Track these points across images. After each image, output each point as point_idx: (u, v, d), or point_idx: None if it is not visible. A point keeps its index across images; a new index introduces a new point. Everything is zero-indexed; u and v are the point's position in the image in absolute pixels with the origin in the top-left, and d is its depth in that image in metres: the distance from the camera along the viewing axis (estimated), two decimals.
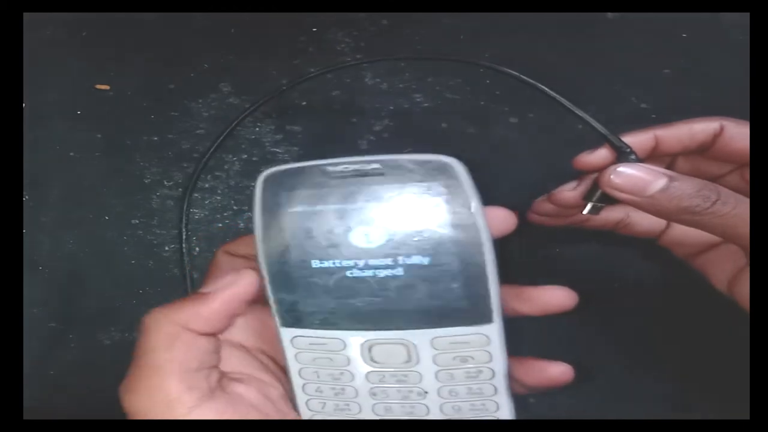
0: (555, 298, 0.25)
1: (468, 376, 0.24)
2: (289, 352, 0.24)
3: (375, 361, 0.24)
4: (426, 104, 0.36)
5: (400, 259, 0.22)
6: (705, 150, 0.27)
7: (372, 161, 0.23)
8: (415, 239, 0.22)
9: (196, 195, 0.37)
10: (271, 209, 0.23)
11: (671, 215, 0.24)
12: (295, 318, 0.23)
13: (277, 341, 0.24)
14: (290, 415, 0.25)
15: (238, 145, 0.37)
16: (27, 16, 0.38)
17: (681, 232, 0.30)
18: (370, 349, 0.24)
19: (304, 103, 0.37)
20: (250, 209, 0.36)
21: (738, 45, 0.35)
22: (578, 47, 0.36)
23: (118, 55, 0.38)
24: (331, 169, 0.23)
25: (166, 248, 0.37)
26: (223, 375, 0.24)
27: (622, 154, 0.26)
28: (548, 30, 0.36)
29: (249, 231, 0.36)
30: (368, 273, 0.23)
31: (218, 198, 0.37)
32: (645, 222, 0.30)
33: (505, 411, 0.25)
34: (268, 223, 0.23)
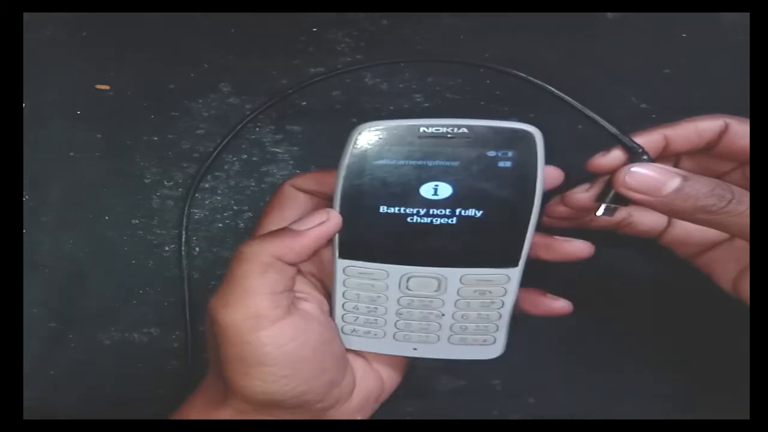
0: (576, 248, 0.28)
1: (481, 306, 0.28)
2: (339, 278, 0.28)
3: (409, 289, 0.28)
4: (426, 104, 0.36)
5: (458, 211, 0.26)
6: (710, 148, 0.27)
7: (460, 125, 0.25)
8: (477, 196, 0.26)
9: (196, 195, 0.37)
10: (359, 158, 0.26)
11: (686, 215, 0.25)
12: (352, 251, 0.28)
13: (326, 267, 0.29)
14: (335, 326, 0.29)
15: (238, 145, 0.37)
16: (27, 16, 0.38)
17: (682, 231, 0.30)
18: (408, 280, 0.28)
19: (304, 103, 0.37)
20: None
21: (738, 45, 0.35)
22: (578, 47, 0.36)
23: (118, 55, 0.38)
24: (422, 129, 0.25)
25: (166, 248, 0.37)
26: (293, 294, 0.28)
27: (635, 155, 0.26)
28: (548, 30, 0.36)
29: (249, 231, 0.36)
30: (426, 220, 0.26)
31: (218, 198, 0.37)
32: (647, 221, 0.30)
33: (501, 335, 0.29)
34: (352, 170, 0.26)
